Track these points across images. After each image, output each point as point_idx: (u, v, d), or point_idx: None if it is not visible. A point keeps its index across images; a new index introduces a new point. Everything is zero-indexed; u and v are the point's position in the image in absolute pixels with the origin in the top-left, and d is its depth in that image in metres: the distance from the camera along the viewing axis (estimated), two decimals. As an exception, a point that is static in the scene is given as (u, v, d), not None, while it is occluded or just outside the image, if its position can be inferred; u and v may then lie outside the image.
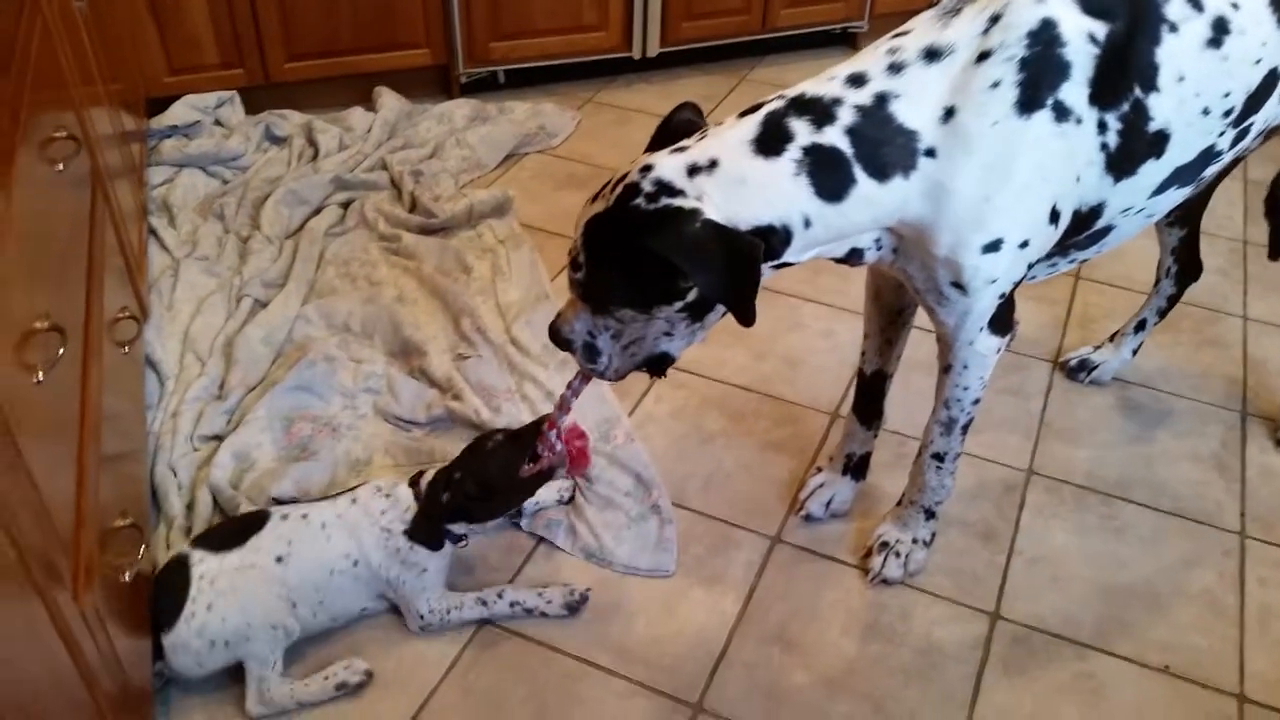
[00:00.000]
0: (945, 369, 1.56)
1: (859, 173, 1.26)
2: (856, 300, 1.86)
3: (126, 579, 1.35)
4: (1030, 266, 1.42)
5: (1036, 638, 1.70)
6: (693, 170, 1.25)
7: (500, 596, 1.67)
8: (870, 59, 1.30)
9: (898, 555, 1.77)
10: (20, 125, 1.32)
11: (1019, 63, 1.26)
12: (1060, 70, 1.27)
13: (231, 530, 1.63)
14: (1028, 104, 1.26)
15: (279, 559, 1.57)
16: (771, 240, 1.27)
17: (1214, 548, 1.87)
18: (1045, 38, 1.27)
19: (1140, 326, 2.17)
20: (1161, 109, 1.35)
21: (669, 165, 1.26)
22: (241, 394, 2.04)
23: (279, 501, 1.77)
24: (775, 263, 1.31)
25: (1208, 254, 2.12)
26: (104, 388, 1.51)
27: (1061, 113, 1.28)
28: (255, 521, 1.63)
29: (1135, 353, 2.21)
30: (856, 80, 1.29)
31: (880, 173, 1.27)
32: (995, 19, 1.27)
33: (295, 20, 2.86)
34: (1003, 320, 1.48)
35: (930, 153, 1.27)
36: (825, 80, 1.30)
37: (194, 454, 1.91)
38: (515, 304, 2.34)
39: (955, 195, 1.28)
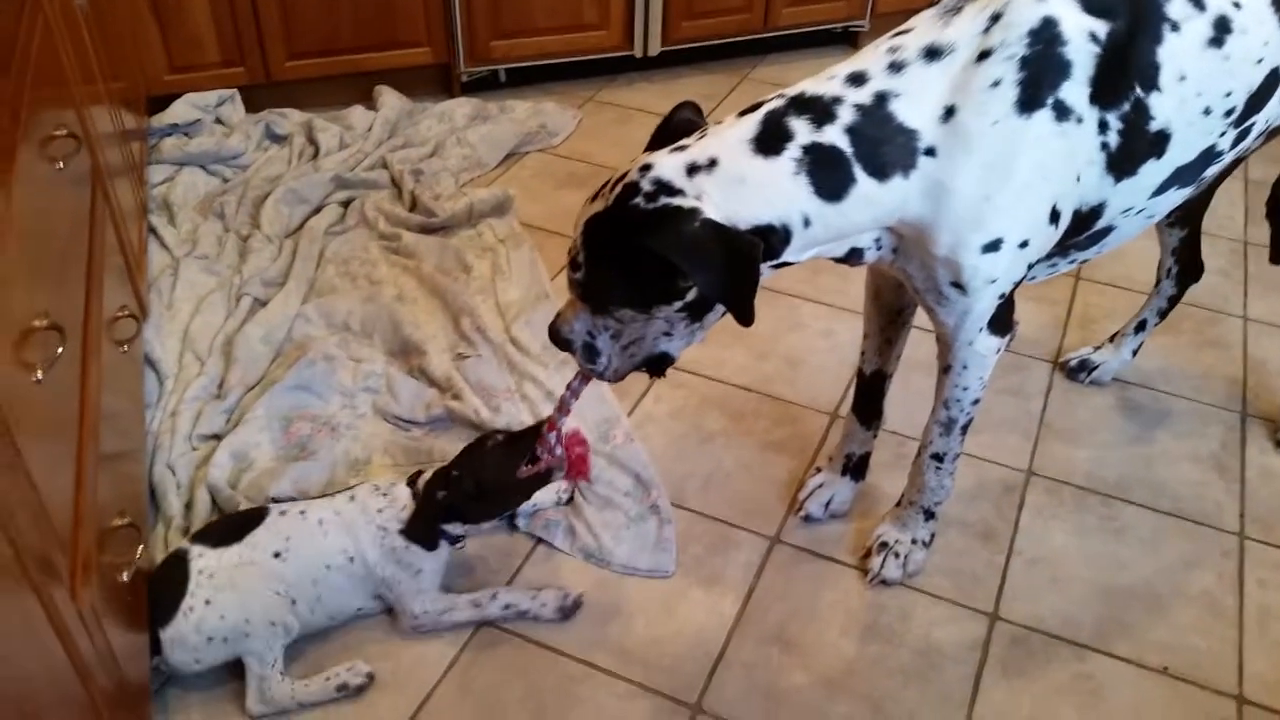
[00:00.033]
0: (945, 369, 1.56)
1: (859, 172, 1.26)
2: (856, 300, 1.86)
3: (124, 578, 1.35)
4: (1030, 267, 1.42)
5: (1035, 638, 1.70)
6: (692, 169, 1.24)
7: (494, 598, 1.67)
8: (870, 58, 1.30)
9: (897, 556, 1.77)
10: (21, 123, 1.32)
11: (1020, 61, 1.26)
12: (1061, 69, 1.27)
13: (230, 526, 1.63)
14: (1028, 103, 1.26)
15: (276, 554, 1.57)
16: (771, 240, 1.26)
17: (1213, 549, 1.87)
18: (1046, 36, 1.26)
19: (1140, 327, 2.17)
20: (1163, 109, 1.35)
21: (668, 164, 1.25)
22: (240, 393, 2.04)
23: (277, 501, 1.77)
24: (774, 262, 1.30)
25: (1208, 254, 2.11)
26: (103, 387, 1.51)
27: (1062, 112, 1.28)
28: (254, 518, 1.63)
29: (1135, 353, 2.20)
30: (856, 79, 1.28)
31: (880, 172, 1.27)
32: (996, 17, 1.27)
33: (296, 18, 2.86)
34: (1002, 320, 1.48)
35: (930, 152, 1.27)
36: (825, 79, 1.30)
37: (193, 453, 1.91)
38: (515, 303, 2.33)
39: (955, 194, 1.28)
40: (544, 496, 1.79)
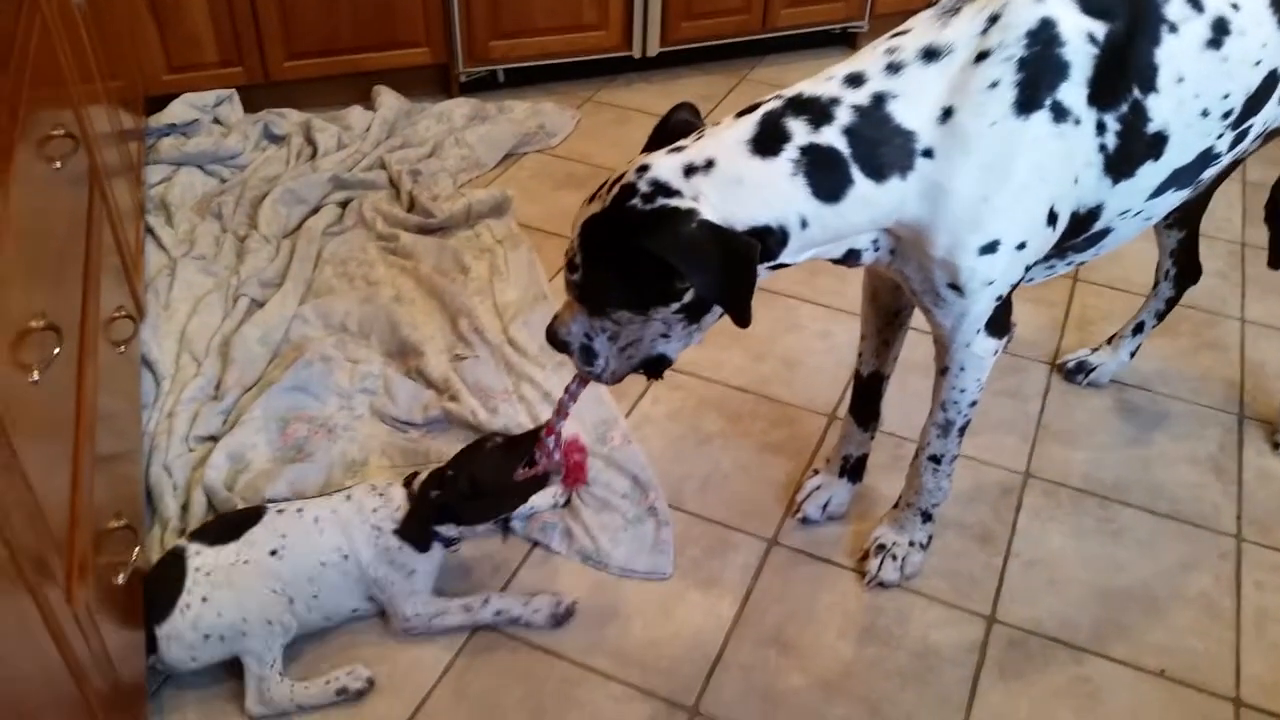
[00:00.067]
0: (942, 371, 1.55)
1: (856, 173, 1.26)
2: (854, 301, 1.85)
3: (120, 580, 1.35)
4: (1028, 268, 1.42)
5: (1033, 641, 1.70)
6: (689, 170, 1.24)
7: (486, 604, 1.66)
8: (868, 59, 1.30)
9: (894, 558, 1.76)
10: (18, 123, 1.31)
11: (1017, 63, 1.26)
12: (1059, 70, 1.27)
13: (228, 524, 1.64)
14: (1026, 104, 1.26)
15: (273, 553, 1.58)
16: (768, 241, 1.26)
17: (1211, 551, 1.87)
18: (1044, 37, 1.26)
19: (1138, 329, 2.17)
20: (1160, 110, 1.35)
21: (665, 165, 1.25)
22: (238, 394, 2.04)
23: (274, 502, 1.77)
24: (772, 263, 1.30)
25: (1206, 256, 2.11)
26: (99, 387, 1.51)
27: (1060, 113, 1.28)
28: (251, 516, 1.63)
29: (1133, 355, 2.20)
30: (854, 80, 1.28)
31: (877, 173, 1.27)
32: (994, 19, 1.27)
33: (295, 19, 2.86)
34: (1000, 322, 1.48)
35: (928, 153, 1.27)
36: (823, 80, 1.30)
37: (189, 455, 1.90)
38: (513, 304, 2.33)
39: (953, 196, 1.28)
40: (541, 500, 1.78)
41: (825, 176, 1.26)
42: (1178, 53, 1.33)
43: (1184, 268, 2.07)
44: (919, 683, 1.63)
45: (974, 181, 1.28)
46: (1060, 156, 1.31)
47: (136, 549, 1.42)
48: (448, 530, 1.63)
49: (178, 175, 2.68)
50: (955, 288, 1.38)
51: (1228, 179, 1.82)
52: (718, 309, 1.33)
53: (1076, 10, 1.28)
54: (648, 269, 1.24)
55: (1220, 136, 1.44)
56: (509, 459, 1.58)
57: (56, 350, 1.20)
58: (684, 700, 1.60)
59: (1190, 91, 1.36)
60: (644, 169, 1.26)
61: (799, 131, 1.26)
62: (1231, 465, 2.04)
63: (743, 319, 1.24)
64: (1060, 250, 1.50)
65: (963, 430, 1.63)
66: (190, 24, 2.78)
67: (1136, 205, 1.46)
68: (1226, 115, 1.41)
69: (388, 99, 3.03)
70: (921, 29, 1.30)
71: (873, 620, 1.72)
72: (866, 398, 1.81)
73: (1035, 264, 1.44)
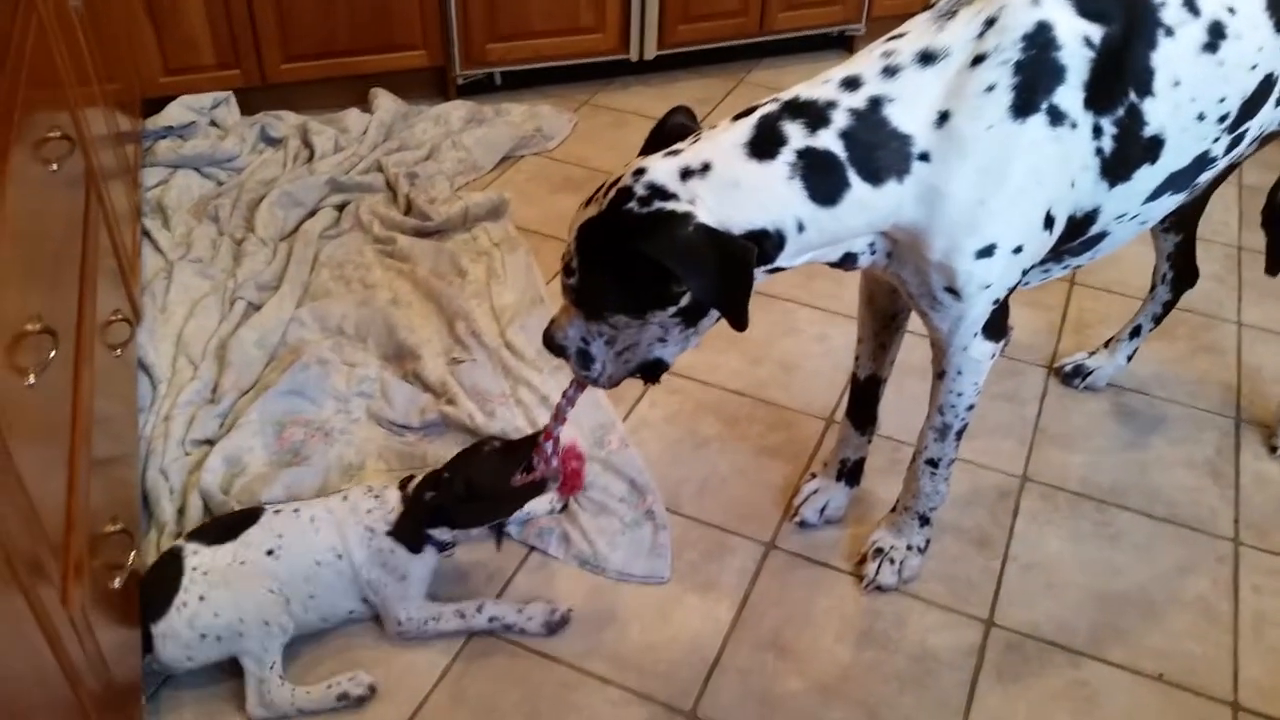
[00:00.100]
0: (939, 374, 1.55)
1: (853, 176, 1.26)
2: (850, 305, 1.85)
3: (116, 584, 1.35)
4: (1025, 272, 1.42)
5: (1031, 645, 1.70)
6: (686, 174, 1.24)
7: (480, 610, 1.66)
8: (865, 62, 1.30)
9: (892, 562, 1.76)
10: (14, 125, 1.31)
11: (1014, 66, 1.26)
12: (1055, 74, 1.27)
13: (226, 525, 1.64)
14: (1022, 108, 1.26)
15: (269, 552, 1.58)
16: (765, 244, 1.26)
17: (1208, 554, 1.87)
18: (1040, 41, 1.26)
19: (1135, 332, 2.17)
20: (1157, 114, 1.35)
21: (662, 169, 1.25)
22: (234, 397, 2.03)
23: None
24: (769, 267, 1.30)
25: (1203, 260, 2.12)
26: (96, 391, 1.50)
27: (1056, 117, 1.28)
28: (249, 517, 1.64)
29: (1130, 359, 2.21)
30: (851, 84, 1.28)
31: (874, 176, 1.27)
32: (990, 22, 1.27)
33: (292, 21, 2.86)
34: (997, 325, 1.48)
35: (924, 157, 1.27)
36: (819, 83, 1.30)
37: (186, 458, 1.90)
38: (510, 307, 2.33)
39: (949, 199, 1.28)
40: (537, 506, 1.77)
41: (822, 180, 1.26)
42: (1174, 56, 1.33)
43: (1181, 271, 2.08)
44: (917, 686, 1.63)
45: (970, 185, 1.28)
46: (1057, 160, 1.31)
47: (132, 553, 1.41)
48: (441, 534, 1.62)
49: (174, 178, 2.67)
50: (952, 291, 1.38)
51: (1224, 183, 1.82)
52: (714, 313, 1.33)
53: (1073, 14, 1.28)
54: (644, 273, 1.24)
55: (1216, 140, 1.44)
56: (506, 464, 1.58)
57: (52, 353, 1.20)
58: (682, 704, 1.59)
59: (1186, 95, 1.36)
60: (640, 172, 1.26)
61: (795, 135, 1.26)
62: (1229, 469, 2.04)
63: (740, 323, 1.24)
64: (1056, 254, 1.50)
65: (960, 434, 1.63)
66: (187, 26, 2.78)
67: (1133, 209, 1.46)
68: (1223, 119, 1.41)
69: (385, 102, 3.03)
70: (918, 32, 1.30)
71: (870, 624, 1.72)
72: (864, 401, 1.81)
73: (1031, 267, 1.44)
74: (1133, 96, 1.32)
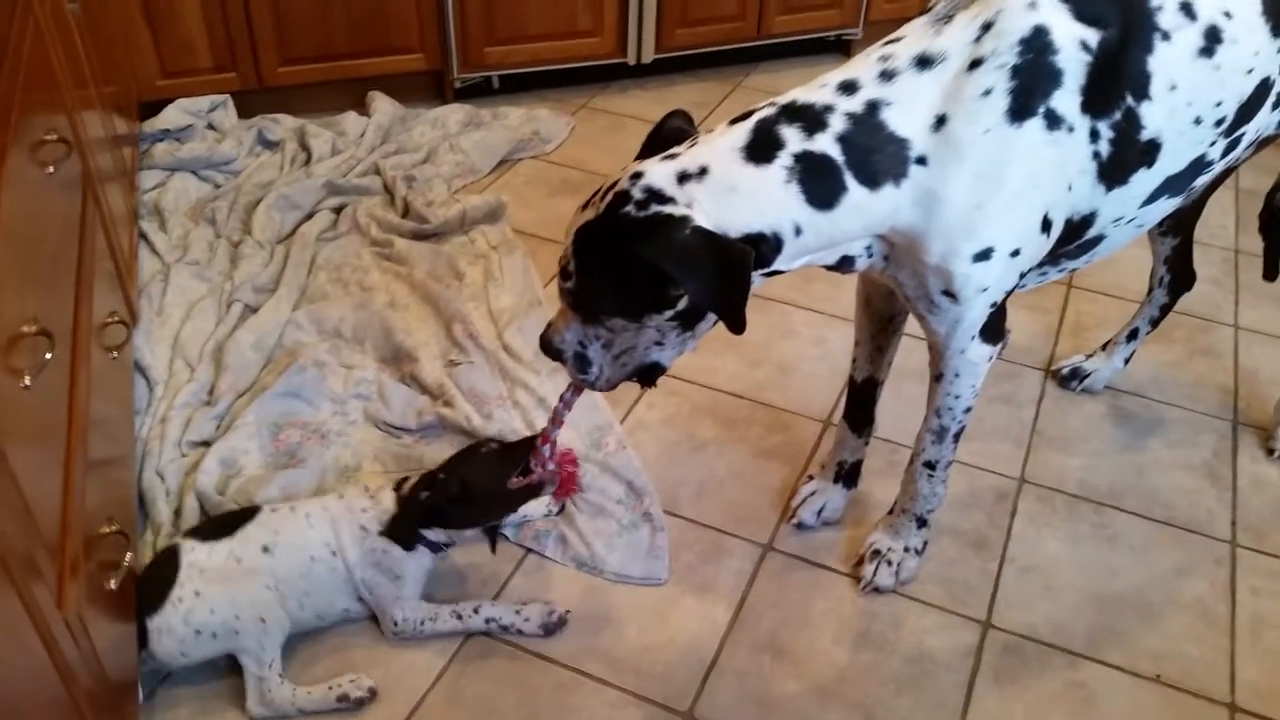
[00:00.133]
0: (937, 377, 1.55)
1: (850, 180, 1.26)
2: (848, 307, 1.86)
3: (112, 586, 1.34)
4: (1022, 275, 1.42)
5: (1028, 646, 1.70)
6: (683, 177, 1.24)
7: (476, 612, 1.66)
8: (862, 66, 1.30)
9: (889, 563, 1.76)
10: (11, 127, 1.31)
11: (1011, 70, 1.26)
12: (1052, 78, 1.27)
13: (223, 522, 1.65)
14: (1019, 112, 1.26)
15: (265, 548, 1.58)
16: (762, 248, 1.26)
17: (1205, 557, 1.87)
18: (1037, 45, 1.26)
19: (1133, 335, 2.18)
20: (1153, 118, 1.35)
21: (659, 172, 1.25)
22: (231, 399, 2.03)
23: (268, 506, 1.77)
24: (766, 270, 1.30)
25: (1200, 263, 2.12)
26: (92, 393, 1.50)
27: (1053, 121, 1.28)
28: (247, 515, 1.64)
29: (1127, 361, 2.21)
30: (848, 88, 1.28)
31: (871, 180, 1.27)
32: (987, 26, 1.27)
33: (289, 24, 2.86)
34: (994, 329, 1.48)
35: (922, 160, 1.27)
36: (816, 87, 1.30)
37: (182, 460, 1.90)
38: (507, 310, 2.33)
39: (947, 203, 1.28)
40: (534, 509, 1.77)
41: (819, 184, 1.26)
42: (1171, 60, 1.33)
43: (1178, 274, 2.08)
44: (914, 688, 1.63)
45: (968, 189, 1.28)
46: (1054, 164, 1.31)
47: (129, 554, 1.41)
48: (435, 534, 1.62)
49: (171, 181, 2.67)
50: (949, 294, 1.38)
51: (1221, 186, 1.82)
52: (712, 316, 1.33)
53: (1069, 18, 1.28)
54: (642, 276, 1.24)
55: (1213, 144, 1.44)
56: (503, 466, 1.58)
57: (48, 355, 1.20)
58: (679, 706, 1.59)
59: (1183, 99, 1.36)
60: (638, 176, 1.26)
61: (793, 139, 1.26)
62: (1226, 471, 2.04)
63: (737, 326, 1.24)
64: (1053, 257, 1.50)
65: (958, 436, 1.63)
66: (184, 29, 2.78)
67: (1130, 212, 1.46)
68: (1219, 123, 1.42)
69: (382, 105, 3.03)
70: (915, 36, 1.30)
71: (868, 626, 1.72)
72: (861, 403, 1.81)
73: (1029, 271, 1.44)
74: (1129, 100, 1.32)
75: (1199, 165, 1.46)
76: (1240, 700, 1.64)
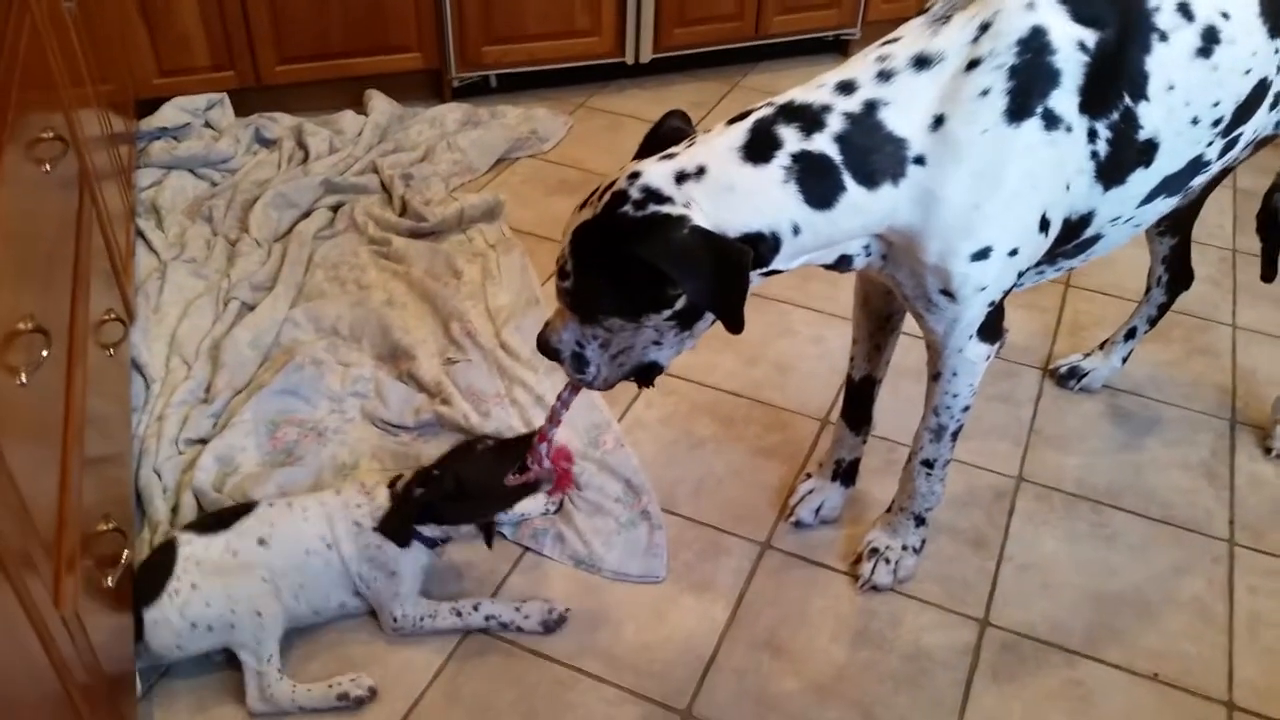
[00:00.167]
0: (935, 376, 1.56)
1: (848, 180, 1.26)
2: (846, 306, 1.86)
3: (109, 583, 1.34)
4: (1020, 275, 1.42)
5: (1026, 644, 1.70)
6: (681, 177, 1.24)
7: (476, 609, 1.66)
8: (860, 66, 1.30)
9: (887, 562, 1.76)
10: (7, 125, 1.31)
11: (1009, 70, 1.26)
12: (1050, 78, 1.27)
13: (221, 517, 1.65)
14: (1017, 112, 1.26)
15: (261, 541, 1.59)
16: (760, 247, 1.26)
17: (1203, 555, 1.87)
18: (1035, 45, 1.27)
19: (1130, 334, 2.18)
20: (1151, 118, 1.35)
21: (657, 172, 1.25)
22: (228, 397, 2.03)
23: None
24: (764, 270, 1.30)
25: (1198, 263, 2.12)
26: (88, 390, 1.50)
27: (1051, 121, 1.28)
28: (245, 509, 1.65)
29: (1125, 360, 2.21)
30: (846, 88, 1.28)
31: (869, 180, 1.27)
32: (985, 27, 1.27)
33: (286, 22, 2.85)
34: (992, 328, 1.48)
35: (920, 160, 1.27)
36: (814, 87, 1.30)
37: (179, 457, 1.90)
38: (505, 308, 2.33)
39: (945, 203, 1.28)
40: (532, 507, 1.77)
41: (817, 183, 1.26)
42: (1168, 61, 1.33)
43: (1176, 274, 2.08)
44: (912, 686, 1.63)
45: (966, 189, 1.28)
46: (1052, 164, 1.31)
47: (125, 551, 1.41)
48: (429, 530, 1.62)
49: (168, 179, 2.67)
50: (947, 294, 1.38)
51: (1219, 186, 1.83)
52: (710, 315, 1.33)
53: (1067, 18, 1.28)
54: (639, 276, 1.24)
55: (1210, 144, 1.44)
56: (499, 463, 1.58)
57: (45, 353, 1.20)
58: (676, 704, 1.59)
59: (1180, 99, 1.36)
60: (635, 176, 1.25)
61: (790, 139, 1.26)
62: (1224, 470, 2.05)
63: (736, 325, 1.24)
64: (1051, 256, 1.50)
65: (955, 435, 1.63)
66: (181, 27, 2.77)
67: (1127, 212, 1.46)
68: (1217, 123, 1.42)
69: (380, 103, 3.03)
70: (913, 37, 1.30)
71: (866, 624, 1.72)
72: (859, 402, 1.81)
73: (1027, 270, 1.44)
74: (1127, 100, 1.33)
75: (1196, 165, 1.46)
76: (1238, 698, 1.64)
